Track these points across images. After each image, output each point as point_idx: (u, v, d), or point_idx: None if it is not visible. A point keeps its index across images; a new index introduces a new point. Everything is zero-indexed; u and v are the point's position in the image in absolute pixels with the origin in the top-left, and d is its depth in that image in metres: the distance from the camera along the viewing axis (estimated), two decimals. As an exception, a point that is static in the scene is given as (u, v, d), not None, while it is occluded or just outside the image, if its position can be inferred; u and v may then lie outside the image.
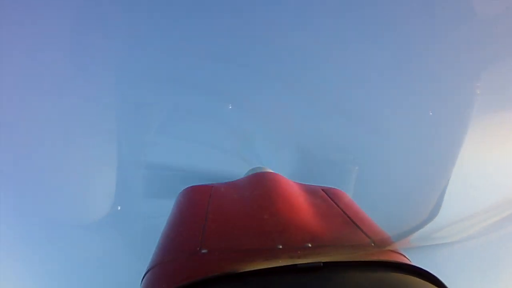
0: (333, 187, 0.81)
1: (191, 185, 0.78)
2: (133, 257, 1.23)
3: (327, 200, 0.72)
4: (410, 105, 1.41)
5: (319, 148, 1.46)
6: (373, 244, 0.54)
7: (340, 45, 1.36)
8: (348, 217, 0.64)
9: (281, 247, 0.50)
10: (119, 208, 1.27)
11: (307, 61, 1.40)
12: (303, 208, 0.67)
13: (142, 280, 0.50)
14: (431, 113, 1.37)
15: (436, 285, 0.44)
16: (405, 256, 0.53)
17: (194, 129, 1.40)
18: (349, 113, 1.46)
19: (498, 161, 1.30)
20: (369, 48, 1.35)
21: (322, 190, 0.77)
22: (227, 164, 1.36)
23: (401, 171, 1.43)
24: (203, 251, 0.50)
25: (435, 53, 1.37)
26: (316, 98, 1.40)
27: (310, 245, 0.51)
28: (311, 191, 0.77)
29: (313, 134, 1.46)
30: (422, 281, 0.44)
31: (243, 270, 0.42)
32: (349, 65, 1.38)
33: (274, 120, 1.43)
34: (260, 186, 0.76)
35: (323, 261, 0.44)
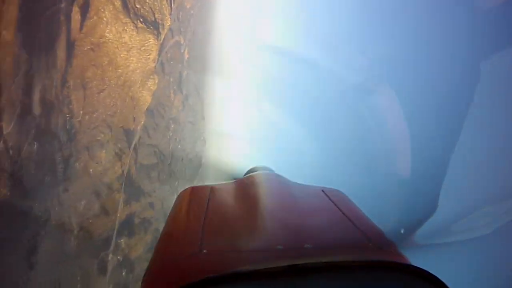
0: (332, 187, 0.81)
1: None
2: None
3: (327, 200, 0.72)
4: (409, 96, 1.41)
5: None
6: (372, 245, 0.54)
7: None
8: (348, 217, 0.64)
9: (281, 247, 0.50)
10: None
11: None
12: (303, 208, 0.67)
13: (143, 280, 0.50)
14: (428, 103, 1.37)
15: (436, 285, 0.44)
16: (404, 256, 0.53)
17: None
18: (348, 112, 1.46)
19: (498, 158, 1.30)
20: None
21: (322, 191, 0.78)
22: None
23: (399, 170, 1.43)
24: (203, 251, 0.50)
25: (435, 50, 1.37)
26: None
27: (310, 245, 0.51)
28: (311, 192, 0.77)
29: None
30: (421, 281, 0.44)
31: (244, 271, 0.42)
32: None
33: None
34: (259, 186, 0.76)
35: (323, 261, 0.44)
